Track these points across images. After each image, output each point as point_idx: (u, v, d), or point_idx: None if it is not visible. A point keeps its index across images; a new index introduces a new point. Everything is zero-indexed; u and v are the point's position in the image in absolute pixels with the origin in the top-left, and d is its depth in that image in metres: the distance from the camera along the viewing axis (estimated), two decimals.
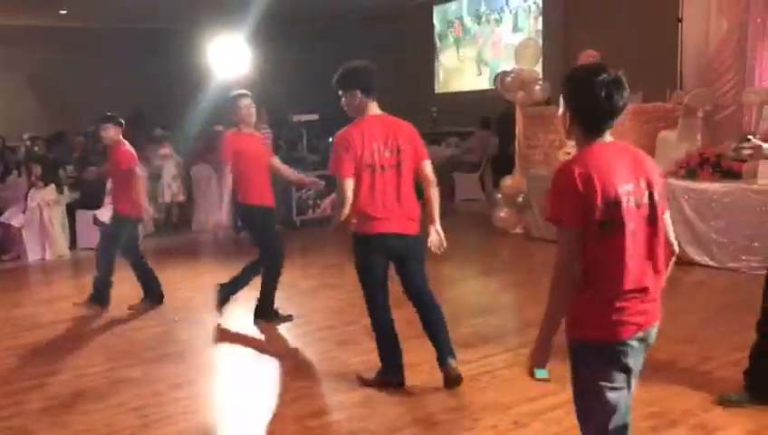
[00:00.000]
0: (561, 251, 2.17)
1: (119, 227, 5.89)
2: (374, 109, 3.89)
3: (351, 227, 3.93)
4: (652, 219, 2.22)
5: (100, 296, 5.91)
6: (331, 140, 13.89)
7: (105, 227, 6.53)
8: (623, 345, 2.21)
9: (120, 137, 5.91)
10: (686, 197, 6.77)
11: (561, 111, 2.29)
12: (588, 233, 2.14)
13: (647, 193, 2.21)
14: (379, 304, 3.98)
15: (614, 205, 2.13)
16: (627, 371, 2.25)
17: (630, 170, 2.20)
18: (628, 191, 2.16)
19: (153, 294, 6.03)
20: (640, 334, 2.23)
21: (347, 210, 3.86)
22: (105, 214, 6.90)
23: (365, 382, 4.11)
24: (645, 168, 2.25)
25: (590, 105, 2.18)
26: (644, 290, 2.21)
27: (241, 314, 5.77)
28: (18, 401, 4.14)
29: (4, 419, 3.90)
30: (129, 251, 5.97)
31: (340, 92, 3.88)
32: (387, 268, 3.96)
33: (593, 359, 2.25)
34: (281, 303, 5.62)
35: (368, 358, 4.56)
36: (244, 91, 5.45)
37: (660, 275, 2.27)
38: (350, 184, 3.79)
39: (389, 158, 3.81)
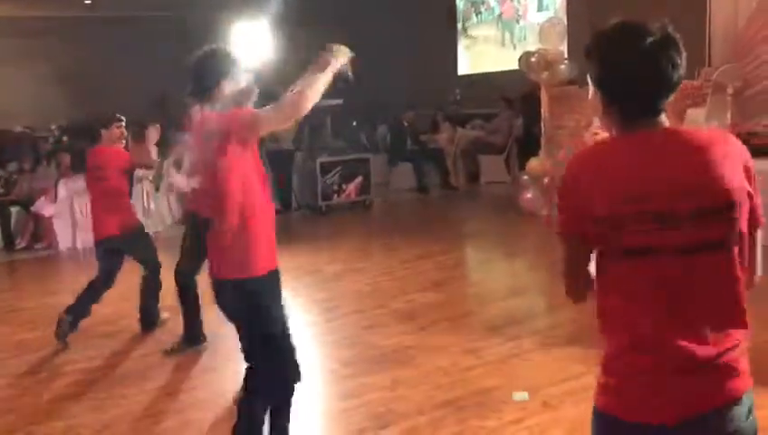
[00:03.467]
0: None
1: None
2: None
3: None
4: (694, 248, 1.49)
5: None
6: (354, 123, 13.79)
7: None
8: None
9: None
10: None
11: (591, 92, 1.64)
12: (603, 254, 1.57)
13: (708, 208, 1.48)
14: None
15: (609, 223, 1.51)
16: None
17: (681, 175, 1.48)
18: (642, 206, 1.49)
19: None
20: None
21: None
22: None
23: None
24: (716, 169, 1.50)
25: (623, 83, 1.53)
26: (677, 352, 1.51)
27: None
28: (57, 386, 4.25)
29: (43, 402, 4.01)
30: None
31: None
32: None
33: None
34: (307, 288, 5.67)
35: (397, 340, 4.59)
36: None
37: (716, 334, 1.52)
38: None
39: None
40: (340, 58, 2.78)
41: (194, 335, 4.77)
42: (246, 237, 2.74)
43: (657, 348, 1.51)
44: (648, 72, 1.51)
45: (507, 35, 13.34)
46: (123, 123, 5.14)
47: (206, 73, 2.84)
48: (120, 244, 5.08)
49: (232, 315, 2.90)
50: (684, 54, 1.54)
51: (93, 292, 5.08)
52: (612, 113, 1.58)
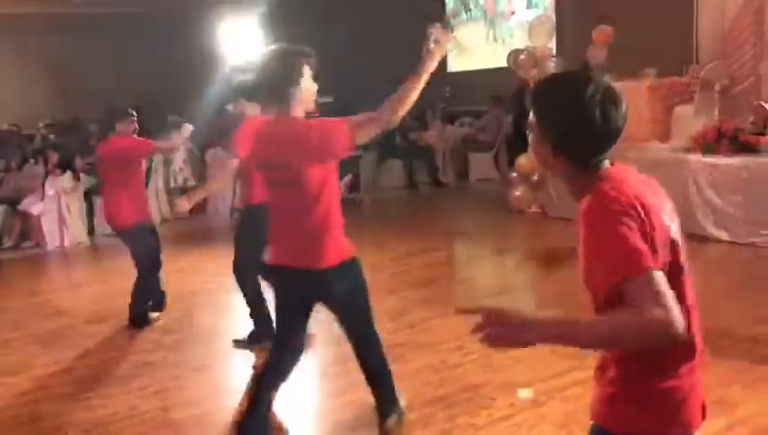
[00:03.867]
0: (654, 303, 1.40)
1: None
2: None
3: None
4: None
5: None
6: None
7: None
8: None
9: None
10: (704, 172, 6.71)
11: (532, 139, 1.71)
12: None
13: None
14: None
15: (672, 243, 1.58)
16: None
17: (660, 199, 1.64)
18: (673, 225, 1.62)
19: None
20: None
21: None
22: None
23: None
24: (663, 194, 1.69)
25: (583, 130, 1.58)
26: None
27: None
28: (43, 386, 4.22)
29: (29, 402, 3.98)
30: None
31: None
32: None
33: None
34: None
35: (386, 338, 4.58)
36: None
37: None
38: None
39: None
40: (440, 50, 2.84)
41: (262, 332, 4.43)
42: (341, 222, 2.98)
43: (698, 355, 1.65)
44: (612, 122, 1.59)
45: (491, 32, 13.38)
46: (135, 117, 5.29)
47: (277, 75, 2.86)
48: (124, 236, 5.16)
49: (346, 301, 3.05)
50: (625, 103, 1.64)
51: (140, 282, 5.16)
52: (567, 157, 1.64)
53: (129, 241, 5.15)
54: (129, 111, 5.27)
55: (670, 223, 1.58)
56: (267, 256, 3.12)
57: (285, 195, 2.92)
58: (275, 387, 3.14)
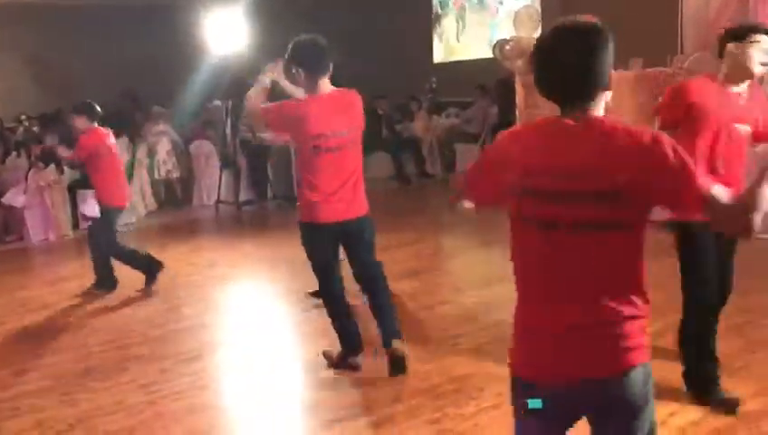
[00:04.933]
0: None
1: (103, 217, 5.90)
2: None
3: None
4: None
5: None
6: None
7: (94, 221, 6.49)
8: None
9: (90, 125, 5.76)
10: None
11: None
12: None
13: None
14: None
15: None
16: None
17: None
18: None
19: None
20: None
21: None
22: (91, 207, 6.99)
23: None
24: None
25: None
26: None
27: (244, 289, 5.79)
28: (27, 380, 4.18)
29: (12, 398, 3.94)
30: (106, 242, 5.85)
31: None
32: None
33: None
34: (283, 277, 5.61)
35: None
36: None
37: None
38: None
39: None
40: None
41: None
42: None
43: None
44: None
45: (460, 24, 13.43)
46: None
47: (326, 56, 3.66)
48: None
49: (370, 241, 3.95)
50: None
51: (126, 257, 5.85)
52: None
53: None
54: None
55: None
56: (315, 215, 3.72)
57: (341, 157, 3.63)
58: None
